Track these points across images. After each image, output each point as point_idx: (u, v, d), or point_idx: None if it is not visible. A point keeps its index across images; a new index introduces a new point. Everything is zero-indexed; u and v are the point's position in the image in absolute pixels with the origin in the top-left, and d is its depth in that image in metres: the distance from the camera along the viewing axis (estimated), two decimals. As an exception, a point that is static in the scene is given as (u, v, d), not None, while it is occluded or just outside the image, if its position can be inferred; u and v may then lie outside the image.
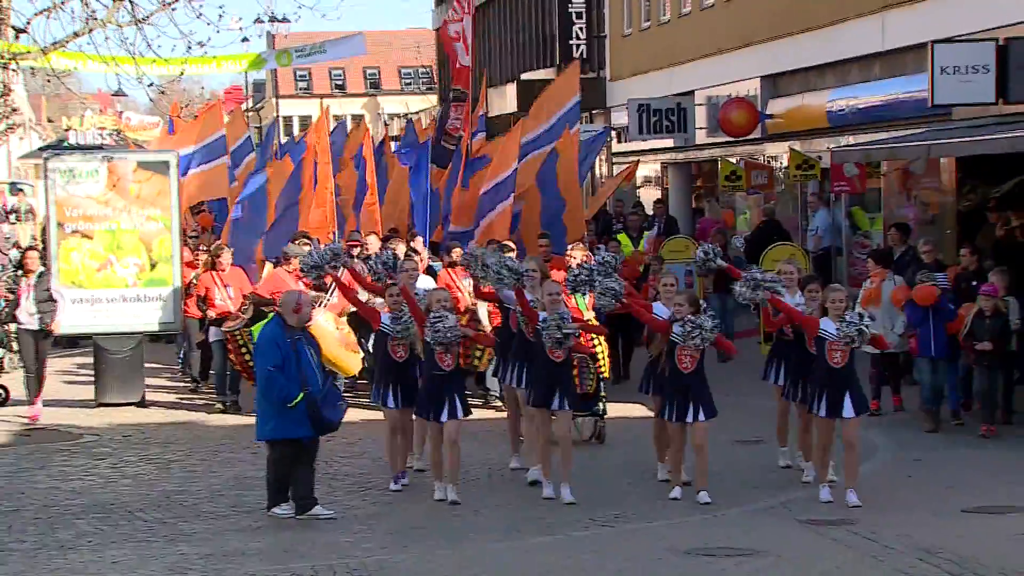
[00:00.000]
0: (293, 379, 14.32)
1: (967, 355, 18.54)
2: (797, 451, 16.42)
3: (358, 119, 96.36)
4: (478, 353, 19.35)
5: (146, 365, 23.14)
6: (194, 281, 22.34)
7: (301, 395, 14.31)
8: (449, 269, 20.58)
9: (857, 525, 14.10)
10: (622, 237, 26.35)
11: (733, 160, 32.61)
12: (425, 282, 18.87)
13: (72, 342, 27.02)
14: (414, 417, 15.70)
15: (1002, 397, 18.65)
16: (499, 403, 19.50)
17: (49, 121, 79.54)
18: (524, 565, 13.03)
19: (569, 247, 20.11)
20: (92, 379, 23.01)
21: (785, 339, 16.11)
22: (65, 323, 22.34)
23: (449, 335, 14.75)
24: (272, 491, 14.84)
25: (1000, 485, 15.65)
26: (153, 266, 22.78)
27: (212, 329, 21.65)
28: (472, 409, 15.60)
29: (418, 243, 22.32)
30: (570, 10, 44.19)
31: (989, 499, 14.92)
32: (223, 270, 21.80)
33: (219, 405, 21.40)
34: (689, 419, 14.95)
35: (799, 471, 16.24)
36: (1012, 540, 13.39)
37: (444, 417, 14.98)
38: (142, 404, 22.28)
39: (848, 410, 14.82)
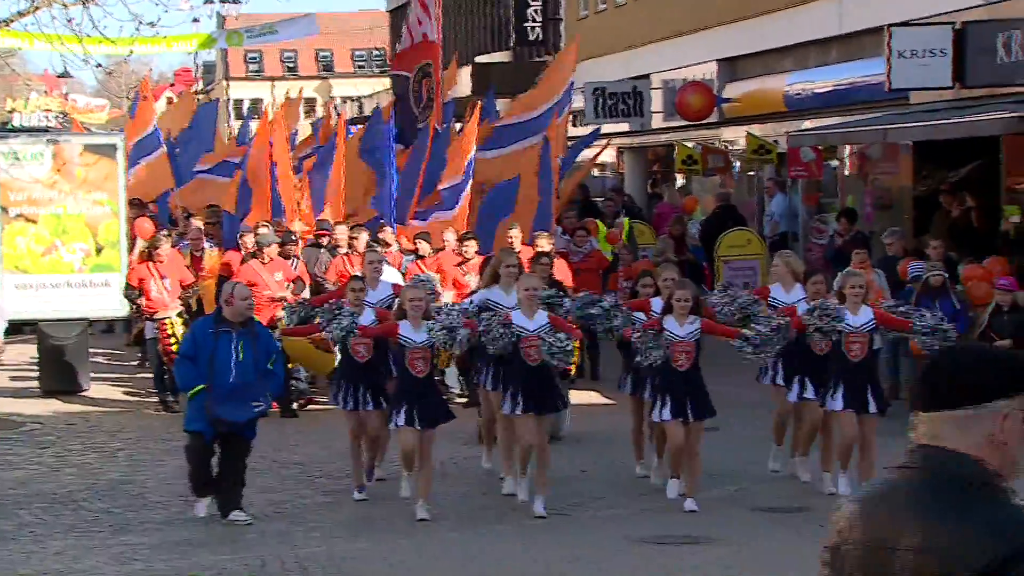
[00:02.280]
0: (201, 371, 13.93)
1: None
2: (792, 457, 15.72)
3: (310, 102, 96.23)
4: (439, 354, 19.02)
5: (92, 352, 23.05)
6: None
7: (200, 387, 13.91)
8: (418, 262, 20.18)
9: (814, 512, 14.11)
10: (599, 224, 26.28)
11: (690, 144, 32.66)
12: (390, 273, 18.56)
13: (16, 329, 26.78)
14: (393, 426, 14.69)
15: None
16: (459, 401, 19.22)
17: (-8, 103, 79.15)
18: (480, 554, 13.02)
19: (536, 235, 19.95)
20: (36, 367, 22.89)
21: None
22: (8, 309, 22.18)
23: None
24: (190, 484, 14.42)
25: None
26: (100, 251, 22.65)
27: (148, 324, 21.04)
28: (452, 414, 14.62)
29: (387, 234, 21.63)
30: (524, -10, 44.16)
31: None
32: (160, 261, 20.73)
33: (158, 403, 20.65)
34: (689, 419, 14.16)
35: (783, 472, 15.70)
36: None
37: (417, 424, 13.87)
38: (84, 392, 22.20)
39: (871, 406, 14.26)
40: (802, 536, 13.36)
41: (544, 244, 19.38)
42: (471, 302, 15.48)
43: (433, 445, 14.22)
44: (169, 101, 62.08)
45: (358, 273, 16.56)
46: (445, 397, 19.39)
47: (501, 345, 14.06)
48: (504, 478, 15.28)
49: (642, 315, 15.01)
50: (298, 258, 20.79)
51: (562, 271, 19.47)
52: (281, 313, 19.62)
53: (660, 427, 14.66)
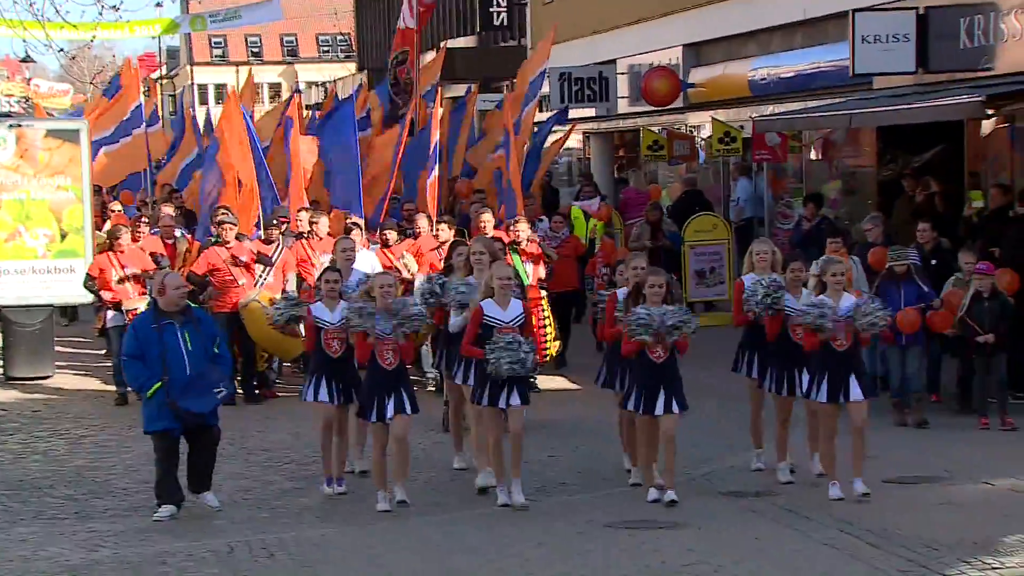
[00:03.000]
0: (152, 368, 13.66)
1: (968, 344, 17.42)
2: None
3: (276, 87, 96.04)
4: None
5: (56, 339, 23.00)
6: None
7: (158, 384, 13.62)
8: (385, 250, 20.16)
9: (779, 497, 14.19)
10: (575, 211, 26.29)
11: (655, 130, 32.69)
12: (366, 258, 18.47)
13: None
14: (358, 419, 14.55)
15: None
16: (432, 389, 19.18)
17: (-46, 89, 78.79)
18: (445, 539, 13.03)
19: (513, 221, 19.96)
20: (0, 354, 22.85)
21: (760, 326, 14.85)
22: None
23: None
24: (157, 488, 14.01)
25: (922, 457, 15.68)
26: (64, 237, 22.62)
27: (109, 314, 20.67)
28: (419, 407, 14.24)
29: (355, 220, 21.50)
30: (490, -24, 44.16)
31: (909, 470, 14.91)
32: (122, 251, 20.58)
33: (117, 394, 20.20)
34: (659, 411, 13.80)
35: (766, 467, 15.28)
36: (931, 509, 13.51)
37: (390, 413, 13.66)
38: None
39: (856, 393, 13.92)
40: (767, 520, 13.47)
41: (524, 230, 19.44)
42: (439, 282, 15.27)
43: (407, 429, 13.92)
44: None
45: (331, 264, 16.25)
46: (421, 380, 19.35)
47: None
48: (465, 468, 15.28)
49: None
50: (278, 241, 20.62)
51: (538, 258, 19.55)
52: (246, 299, 19.64)
53: (633, 418, 14.30)
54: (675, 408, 13.80)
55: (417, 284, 17.02)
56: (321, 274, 15.21)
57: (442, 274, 15.88)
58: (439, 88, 24.92)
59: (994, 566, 11.76)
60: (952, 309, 17.34)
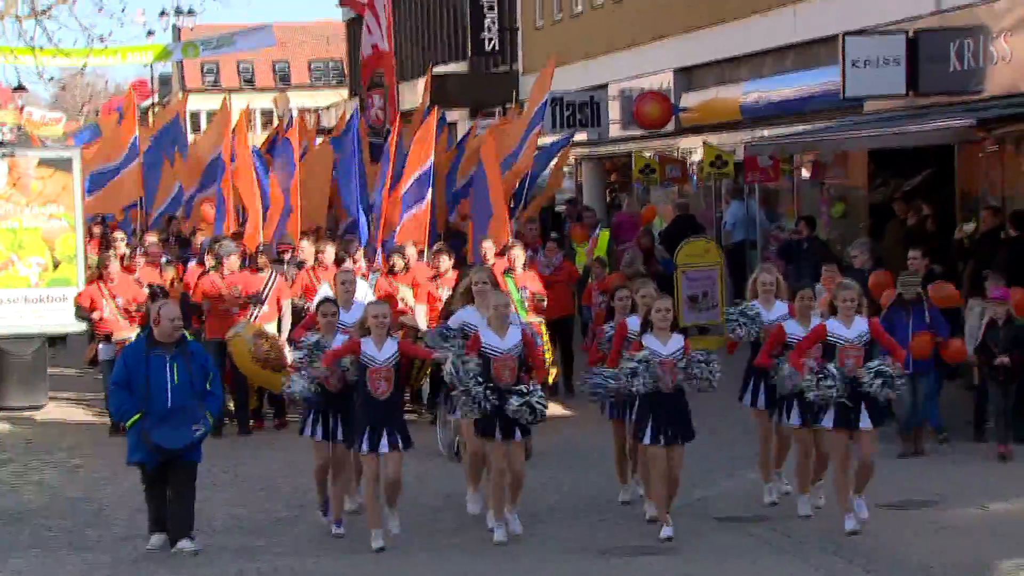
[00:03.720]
0: (136, 397, 13.45)
1: (980, 370, 17.25)
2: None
3: (267, 114, 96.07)
4: (415, 371, 18.61)
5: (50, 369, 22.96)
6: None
7: (136, 416, 13.43)
8: (389, 277, 20.05)
9: (773, 522, 14.19)
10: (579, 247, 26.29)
11: (647, 154, 32.72)
12: (363, 291, 18.02)
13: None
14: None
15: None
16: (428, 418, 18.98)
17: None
18: (440, 568, 13.02)
19: (509, 246, 19.87)
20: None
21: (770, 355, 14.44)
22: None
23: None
24: (149, 519, 13.90)
25: (917, 481, 15.57)
26: (56, 265, 22.60)
27: (101, 346, 20.48)
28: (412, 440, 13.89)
29: (356, 249, 21.45)
30: (481, 1, 44.14)
31: (904, 495, 14.82)
32: (111, 281, 20.45)
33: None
34: (663, 442, 13.47)
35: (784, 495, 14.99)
36: (925, 533, 13.49)
37: (384, 448, 13.38)
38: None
39: (865, 421, 13.57)
40: (762, 544, 13.46)
41: (519, 256, 19.39)
42: (447, 327, 14.59)
43: (400, 463, 13.67)
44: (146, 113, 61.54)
45: (330, 295, 15.95)
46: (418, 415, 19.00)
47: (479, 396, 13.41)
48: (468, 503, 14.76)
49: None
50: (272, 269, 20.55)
51: (533, 283, 19.46)
52: (231, 332, 19.50)
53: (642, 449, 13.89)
54: (682, 439, 13.56)
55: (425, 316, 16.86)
56: (318, 306, 14.83)
57: (448, 304, 15.56)
58: (432, 112, 24.80)
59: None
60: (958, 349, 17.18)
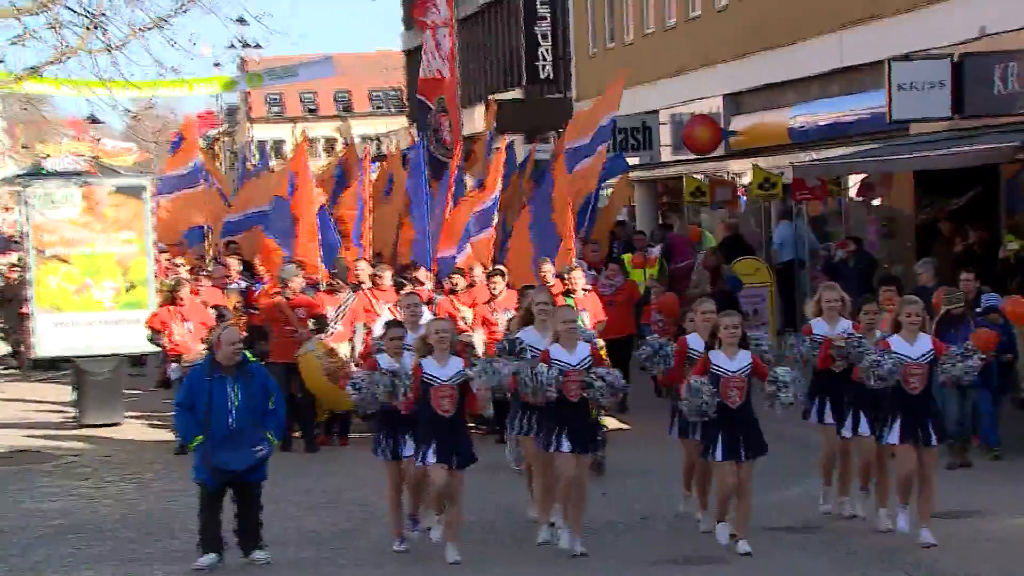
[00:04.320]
0: (199, 419, 13.47)
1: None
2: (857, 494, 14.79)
3: (330, 141, 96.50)
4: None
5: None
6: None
7: (199, 438, 13.45)
8: (451, 297, 19.98)
9: (820, 532, 14.16)
10: (627, 257, 26.23)
11: (698, 176, 32.72)
12: (427, 314, 18.04)
13: (53, 365, 26.83)
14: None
15: None
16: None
17: (25, 148, 79.38)
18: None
19: (568, 270, 19.68)
20: (74, 401, 22.98)
21: (832, 371, 14.30)
22: (45, 346, 22.45)
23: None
24: (199, 537, 13.81)
25: (962, 494, 15.36)
26: (129, 288, 22.80)
27: (172, 366, 20.50)
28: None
29: (421, 273, 21.34)
30: (536, 31, 44.27)
31: (949, 506, 14.59)
32: (183, 305, 20.46)
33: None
34: (742, 457, 13.25)
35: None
36: (972, 543, 13.45)
37: (455, 465, 13.26)
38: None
39: (931, 438, 13.39)
40: (810, 555, 13.43)
41: (579, 278, 19.25)
42: (513, 340, 14.34)
43: (462, 485, 13.53)
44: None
45: (398, 318, 15.72)
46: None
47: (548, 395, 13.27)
48: (541, 522, 14.23)
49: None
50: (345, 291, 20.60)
51: (594, 304, 19.34)
52: (302, 350, 19.56)
53: (709, 467, 13.68)
54: (753, 455, 13.32)
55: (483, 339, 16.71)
56: (386, 329, 14.55)
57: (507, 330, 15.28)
58: (502, 142, 24.74)
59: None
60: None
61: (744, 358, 13.21)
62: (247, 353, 14.00)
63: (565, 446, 13.29)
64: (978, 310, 17.58)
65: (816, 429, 14.79)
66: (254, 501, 13.70)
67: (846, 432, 14.22)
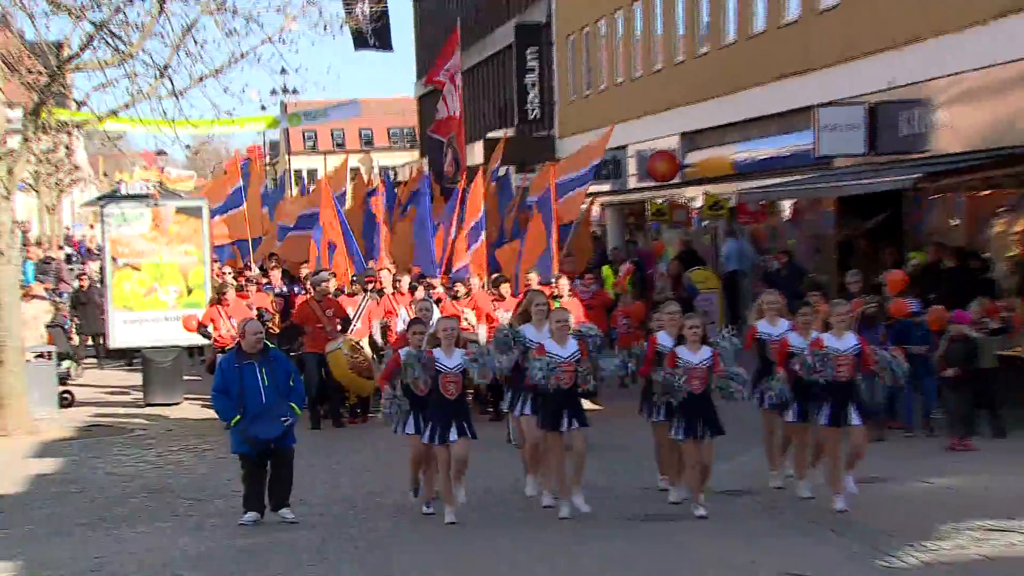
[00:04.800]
0: (234, 401, 13.34)
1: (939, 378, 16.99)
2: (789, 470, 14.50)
3: (355, 171, 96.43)
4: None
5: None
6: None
7: (237, 417, 13.33)
8: (453, 302, 19.91)
9: (760, 496, 14.16)
10: (606, 269, 26.24)
11: (659, 201, 32.77)
12: (437, 313, 17.49)
13: (123, 354, 26.89)
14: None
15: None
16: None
17: (104, 176, 79.53)
18: (500, 531, 12.99)
19: (554, 279, 19.70)
20: (142, 385, 23.07)
21: (772, 362, 14.01)
22: (119, 339, 22.53)
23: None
24: (243, 499, 13.75)
25: (877, 463, 15.02)
26: (189, 292, 22.88)
27: (219, 357, 19.96)
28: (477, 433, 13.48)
29: (435, 280, 21.37)
30: (526, 80, 44.29)
31: (866, 473, 14.31)
32: (228, 304, 20.56)
33: None
34: (700, 436, 13.01)
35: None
36: (882, 504, 13.46)
37: (454, 437, 13.04)
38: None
39: (855, 418, 13.19)
40: (753, 514, 13.43)
41: (564, 285, 19.29)
42: (507, 334, 13.97)
43: (469, 448, 13.24)
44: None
45: (417, 317, 15.26)
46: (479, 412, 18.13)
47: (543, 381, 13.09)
48: (542, 494, 13.96)
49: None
50: (367, 294, 20.55)
51: (576, 308, 19.08)
52: (332, 346, 19.57)
53: (677, 445, 13.34)
54: (712, 434, 13.05)
55: (486, 335, 16.56)
56: (409, 325, 14.13)
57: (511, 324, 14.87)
58: (479, 174, 24.87)
59: (932, 549, 11.75)
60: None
61: (705, 352, 13.09)
62: (267, 342, 13.89)
63: (563, 424, 13.18)
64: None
65: (761, 412, 14.58)
66: (286, 464, 13.60)
67: (787, 417, 13.96)
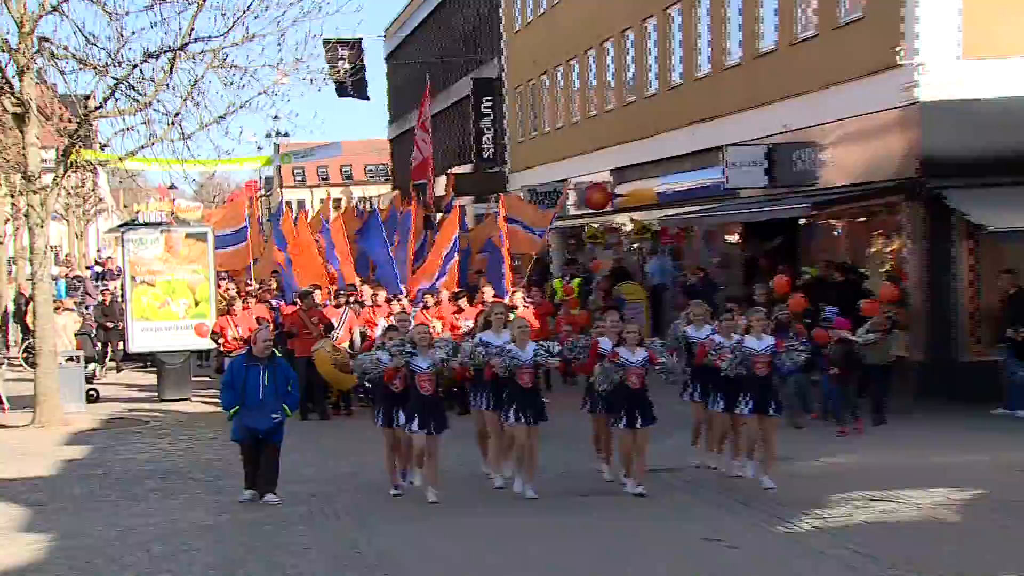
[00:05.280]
0: (237, 395, 13.20)
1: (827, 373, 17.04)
2: (711, 451, 14.36)
3: (337, 201, 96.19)
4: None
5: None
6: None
7: (236, 408, 13.20)
8: (424, 312, 19.60)
9: (681, 472, 14.18)
10: (557, 283, 26.19)
11: (594, 226, 32.89)
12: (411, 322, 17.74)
13: (142, 358, 26.68)
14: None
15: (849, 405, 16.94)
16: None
17: (124, 207, 78.85)
18: (453, 506, 12.98)
19: (512, 291, 19.57)
20: (155, 383, 22.93)
21: (705, 365, 13.80)
22: (137, 345, 22.38)
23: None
24: (244, 477, 13.64)
25: (780, 446, 15.24)
26: (196, 304, 22.75)
27: (227, 360, 20.15)
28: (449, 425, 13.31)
29: (403, 293, 21.10)
30: (481, 125, 44.39)
31: (780, 454, 14.09)
32: (235, 314, 20.79)
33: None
34: (638, 425, 12.86)
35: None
36: (782, 479, 13.40)
37: (421, 429, 12.87)
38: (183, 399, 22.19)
39: (772, 409, 13.09)
40: (675, 490, 13.48)
41: (519, 298, 19.19)
42: (477, 340, 13.65)
43: (440, 446, 13.14)
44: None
45: (393, 323, 15.20)
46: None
47: (504, 366, 12.93)
48: (492, 476, 13.82)
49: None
50: (349, 306, 20.47)
51: (529, 317, 18.96)
52: (317, 347, 19.46)
53: (616, 433, 13.22)
54: (646, 423, 12.90)
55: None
56: (385, 331, 14.09)
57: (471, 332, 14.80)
58: (455, 205, 24.85)
59: (822, 516, 11.88)
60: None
61: (641, 353, 12.98)
62: (275, 351, 13.85)
63: (520, 419, 12.98)
64: (825, 320, 17.50)
65: (689, 404, 14.56)
66: (273, 455, 13.47)
67: (712, 407, 13.90)
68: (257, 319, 20.60)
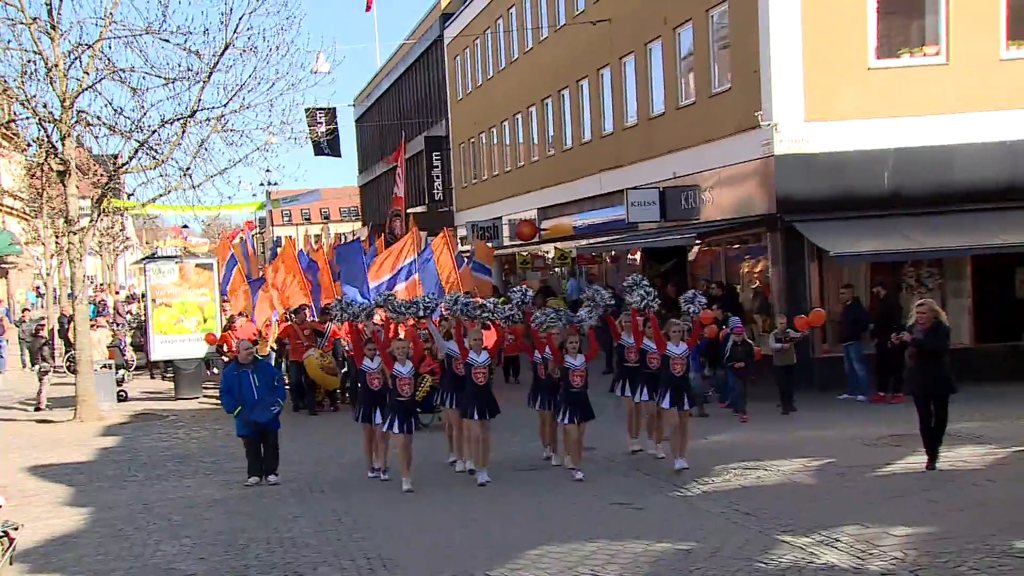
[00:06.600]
0: (234, 399, 12.91)
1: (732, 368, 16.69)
2: (648, 439, 13.91)
3: (317, 238, 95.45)
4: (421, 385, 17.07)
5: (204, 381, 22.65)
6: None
7: (239, 409, 12.92)
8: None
9: (597, 450, 14.01)
10: (502, 300, 25.66)
11: (524, 253, 32.90)
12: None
13: (155, 364, 26.23)
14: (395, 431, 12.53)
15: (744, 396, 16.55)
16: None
17: (146, 243, 77.68)
18: (445, 511, 12.81)
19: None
20: (173, 384, 22.59)
21: (628, 366, 13.52)
22: (159, 353, 22.06)
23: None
24: (248, 467, 13.29)
25: (699, 429, 14.71)
26: (204, 320, 22.50)
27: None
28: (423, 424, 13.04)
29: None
30: (432, 173, 44.33)
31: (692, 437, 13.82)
32: (236, 329, 20.77)
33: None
34: (577, 420, 12.43)
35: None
36: (700, 455, 13.08)
37: (407, 430, 12.38)
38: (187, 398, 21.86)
39: (686, 403, 12.70)
40: (600, 469, 13.35)
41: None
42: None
43: (412, 441, 12.68)
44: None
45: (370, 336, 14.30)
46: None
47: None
48: (455, 461, 13.43)
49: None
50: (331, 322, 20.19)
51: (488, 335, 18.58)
52: (307, 354, 19.24)
53: (562, 428, 12.77)
54: (584, 419, 12.53)
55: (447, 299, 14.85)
56: (365, 343, 13.32)
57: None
58: (409, 234, 24.66)
59: (708, 482, 11.94)
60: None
61: (581, 358, 12.43)
62: (257, 356, 13.47)
63: (476, 415, 12.51)
64: (729, 327, 17.24)
65: (620, 398, 14.25)
66: (273, 442, 13.25)
67: (637, 399, 13.58)
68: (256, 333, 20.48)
